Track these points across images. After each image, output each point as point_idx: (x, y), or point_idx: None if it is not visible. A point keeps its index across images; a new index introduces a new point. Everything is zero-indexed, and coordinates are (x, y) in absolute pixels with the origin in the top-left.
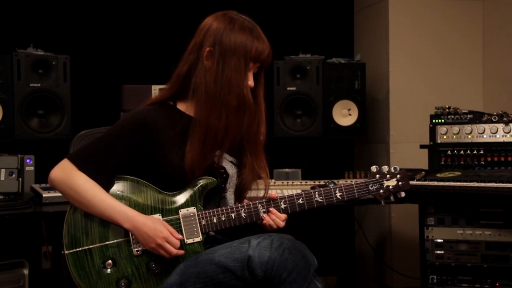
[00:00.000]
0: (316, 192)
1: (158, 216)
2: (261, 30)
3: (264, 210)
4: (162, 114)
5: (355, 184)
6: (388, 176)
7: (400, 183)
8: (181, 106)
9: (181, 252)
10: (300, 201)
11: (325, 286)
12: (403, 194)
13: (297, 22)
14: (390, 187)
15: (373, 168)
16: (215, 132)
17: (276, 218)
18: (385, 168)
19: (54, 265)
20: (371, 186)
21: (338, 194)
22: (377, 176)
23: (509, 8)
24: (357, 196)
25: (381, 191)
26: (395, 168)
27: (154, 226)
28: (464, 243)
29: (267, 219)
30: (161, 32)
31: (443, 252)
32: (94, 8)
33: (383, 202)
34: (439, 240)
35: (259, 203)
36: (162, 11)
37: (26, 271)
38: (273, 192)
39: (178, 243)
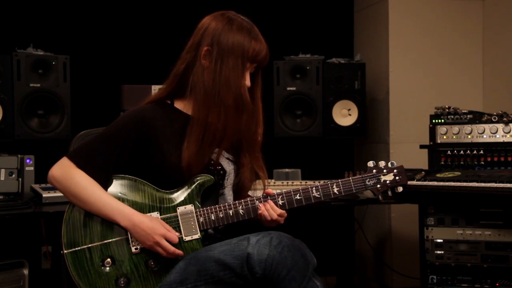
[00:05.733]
0: (314, 188)
1: (156, 214)
2: (258, 31)
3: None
4: (160, 113)
5: (352, 179)
6: (385, 170)
7: (397, 177)
8: (178, 105)
9: (180, 252)
10: (298, 196)
11: (324, 286)
12: (400, 188)
13: (297, 22)
14: (388, 181)
15: (370, 163)
16: (214, 131)
17: (270, 209)
18: (382, 163)
19: (54, 265)
20: (368, 181)
21: (335, 189)
22: (374, 171)
23: (509, 8)
24: (354, 191)
25: (378, 185)
26: (392, 163)
27: (152, 224)
28: (464, 243)
29: (262, 209)
30: (160, 32)
31: (443, 252)
32: (94, 8)
33: (381, 197)
34: (439, 240)
35: (256, 199)
36: (161, 11)
37: (26, 271)
38: (270, 190)
39: (176, 239)
